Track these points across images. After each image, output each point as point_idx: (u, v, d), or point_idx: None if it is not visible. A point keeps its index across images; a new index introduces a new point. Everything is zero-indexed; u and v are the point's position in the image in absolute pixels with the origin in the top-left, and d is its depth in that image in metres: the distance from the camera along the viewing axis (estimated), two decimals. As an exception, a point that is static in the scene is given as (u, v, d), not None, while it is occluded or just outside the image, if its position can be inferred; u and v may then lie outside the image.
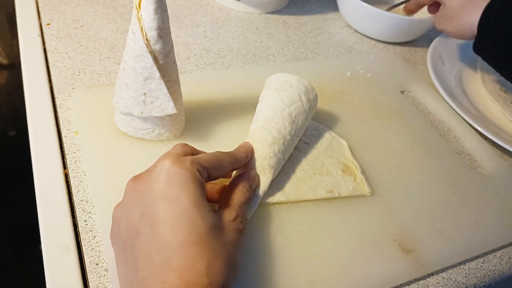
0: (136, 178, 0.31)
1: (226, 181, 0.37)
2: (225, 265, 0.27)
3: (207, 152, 0.36)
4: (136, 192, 0.30)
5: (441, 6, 0.59)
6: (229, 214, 0.31)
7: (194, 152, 0.35)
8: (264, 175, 0.38)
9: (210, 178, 0.33)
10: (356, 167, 0.44)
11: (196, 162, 0.31)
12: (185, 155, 0.33)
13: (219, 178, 0.35)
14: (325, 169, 0.43)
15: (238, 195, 0.34)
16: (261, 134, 0.40)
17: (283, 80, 0.44)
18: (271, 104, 0.42)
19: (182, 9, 0.67)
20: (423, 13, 0.73)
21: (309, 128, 0.46)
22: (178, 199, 0.28)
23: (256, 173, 0.37)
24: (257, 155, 0.38)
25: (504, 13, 0.49)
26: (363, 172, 0.44)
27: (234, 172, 0.38)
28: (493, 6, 0.50)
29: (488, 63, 0.54)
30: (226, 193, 0.35)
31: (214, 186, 0.37)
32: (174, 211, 0.27)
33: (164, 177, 0.29)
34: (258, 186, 0.37)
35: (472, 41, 0.54)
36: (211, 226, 0.28)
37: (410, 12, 0.69)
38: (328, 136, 0.47)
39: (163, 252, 0.26)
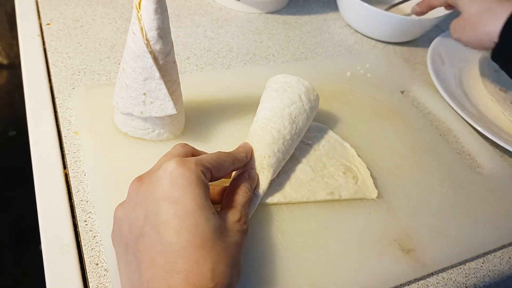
0: (139, 179, 0.31)
1: (226, 182, 0.37)
2: (229, 267, 0.28)
3: (207, 152, 0.36)
4: (139, 194, 0.30)
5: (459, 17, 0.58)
6: (233, 216, 0.31)
7: (194, 152, 0.35)
8: (263, 174, 0.38)
9: (212, 179, 0.33)
10: (359, 170, 0.44)
11: (200, 163, 0.31)
12: (186, 155, 0.33)
13: (220, 179, 0.35)
14: (326, 171, 0.43)
15: (240, 196, 0.34)
16: (260, 134, 0.40)
17: (283, 81, 0.44)
18: (270, 104, 0.42)
19: (182, 9, 0.67)
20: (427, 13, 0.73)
21: (312, 130, 0.46)
22: (182, 201, 0.28)
23: (256, 172, 0.37)
24: (257, 155, 0.38)
25: None
26: (370, 175, 0.43)
27: (233, 173, 0.38)
28: None
29: (507, 72, 0.54)
30: (228, 194, 0.34)
31: (214, 187, 0.37)
32: (178, 213, 0.27)
33: (168, 179, 0.29)
34: (257, 185, 0.37)
35: None
36: (215, 229, 0.28)
37: (418, 13, 0.65)
38: (330, 138, 0.46)
39: (167, 255, 0.26)
